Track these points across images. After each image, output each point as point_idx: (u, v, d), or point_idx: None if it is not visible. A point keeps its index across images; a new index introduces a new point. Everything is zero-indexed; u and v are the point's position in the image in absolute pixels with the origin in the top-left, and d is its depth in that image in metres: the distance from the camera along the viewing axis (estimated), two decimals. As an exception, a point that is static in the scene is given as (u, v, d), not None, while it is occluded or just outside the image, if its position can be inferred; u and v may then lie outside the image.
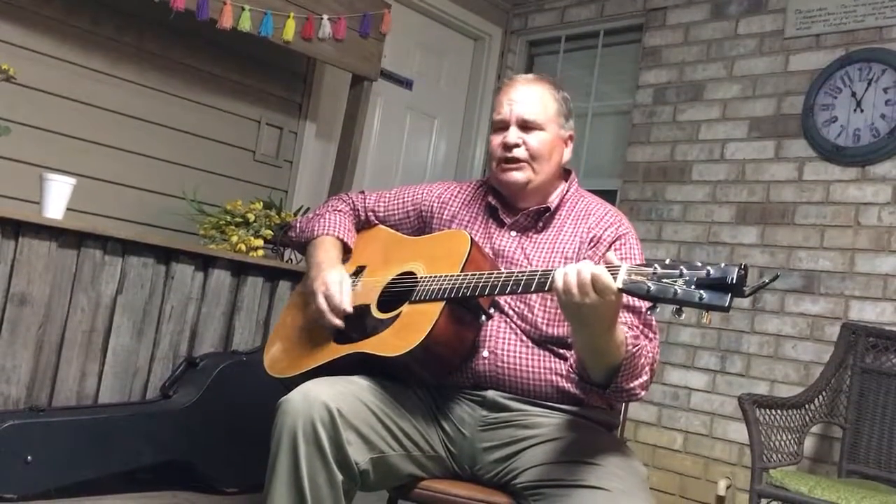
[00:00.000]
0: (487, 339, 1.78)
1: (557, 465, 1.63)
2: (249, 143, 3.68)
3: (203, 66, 3.47)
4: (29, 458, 2.41)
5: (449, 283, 1.71)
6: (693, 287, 1.31)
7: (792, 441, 2.87)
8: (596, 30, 4.41)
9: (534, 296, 1.78)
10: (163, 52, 3.35)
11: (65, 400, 2.71)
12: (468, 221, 1.96)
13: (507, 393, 1.78)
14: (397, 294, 1.83)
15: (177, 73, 3.40)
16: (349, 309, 1.83)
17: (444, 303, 1.70)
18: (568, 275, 1.45)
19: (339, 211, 2.09)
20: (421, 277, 1.80)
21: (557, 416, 1.76)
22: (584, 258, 1.81)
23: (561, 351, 1.78)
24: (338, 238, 2.01)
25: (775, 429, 2.83)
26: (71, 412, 2.58)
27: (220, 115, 3.56)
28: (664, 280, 1.34)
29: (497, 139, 1.90)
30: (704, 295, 1.30)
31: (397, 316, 1.78)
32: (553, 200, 1.91)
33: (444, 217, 2.00)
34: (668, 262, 1.37)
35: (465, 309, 1.73)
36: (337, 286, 1.85)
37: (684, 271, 1.33)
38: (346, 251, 2.03)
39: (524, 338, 1.78)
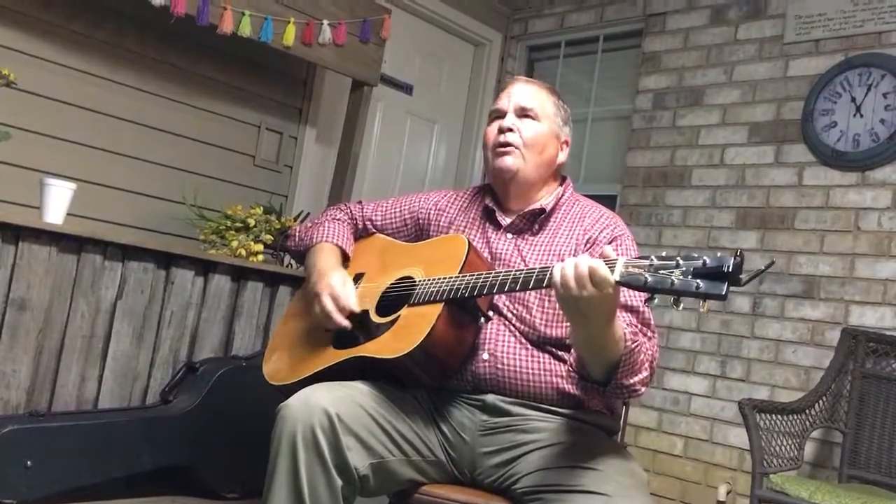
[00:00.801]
0: (487, 341, 1.78)
1: (557, 470, 1.63)
2: (249, 148, 3.68)
3: (203, 72, 3.48)
4: (29, 463, 2.41)
5: (447, 285, 1.72)
6: (690, 277, 1.32)
7: (792, 446, 2.87)
8: (595, 35, 4.41)
9: (532, 297, 1.79)
10: (163, 57, 3.35)
11: (64, 405, 2.71)
12: (465, 227, 1.97)
13: (508, 395, 1.78)
14: (396, 298, 1.83)
15: (177, 78, 3.40)
16: (355, 308, 1.84)
17: (442, 304, 1.70)
18: (565, 269, 1.46)
19: (337, 220, 2.10)
20: (419, 281, 1.80)
21: (558, 420, 1.76)
22: None
23: (560, 353, 1.78)
24: (336, 245, 2.03)
25: (776, 434, 2.83)
26: (71, 417, 2.58)
27: (221, 120, 3.56)
28: (661, 271, 1.35)
29: (493, 127, 1.93)
30: (701, 284, 1.31)
31: (396, 319, 1.78)
32: (548, 202, 1.92)
33: (442, 224, 2.01)
34: (664, 254, 1.38)
35: (464, 310, 1.74)
36: (341, 286, 1.86)
37: (681, 262, 1.34)
38: (345, 259, 2.04)
39: (523, 340, 1.78)
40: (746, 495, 3.03)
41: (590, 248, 1.84)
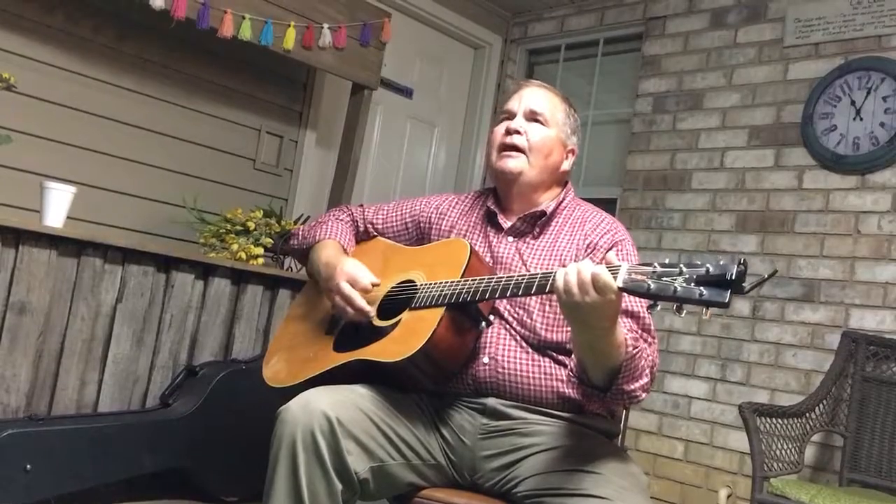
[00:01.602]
0: (488, 345, 1.78)
1: (558, 474, 1.63)
2: (250, 152, 3.68)
3: (204, 75, 3.48)
4: (28, 466, 2.41)
5: (449, 289, 1.72)
6: (693, 284, 1.32)
7: (793, 450, 2.86)
8: (596, 38, 4.42)
9: (533, 302, 1.79)
10: (163, 61, 3.36)
11: (64, 408, 2.70)
12: (466, 231, 1.97)
13: (508, 400, 1.77)
14: (397, 302, 1.83)
15: (177, 81, 3.41)
16: (376, 281, 1.85)
17: (444, 308, 1.70)
18: (568, 274, 1.46)
19: (340, 220, 2.11)
20: (420, 285, 1.80)
21: (558, 424, 1.76)
22: None
23: (560, 357, 1.78)
24: (339, 243, 2.02)
25: (776, 437, 2.82)
26: (70, 421, 2.58)
27: (221, 124, 3.56)
28: (664, 278, 1.35)
29: (500, 127, 1.93)
30: (704, 292, 1.31)
31: (397, 323, 1.78)
32: (549, 206, 1.92)
33: (443, 227, 2.01)
34: (667, 261, 1.38)
35: (465, 315, 1.73)
36: (357, 269, 1.86)
37: (684, 269, 1.34)
38: None
39: (524, 344, 1.78)
40: (747, 499, 3.03)
41: (590, 253, 1.84)
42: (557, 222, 1.92)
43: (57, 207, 2.69)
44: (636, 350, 1.60)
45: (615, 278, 1.42)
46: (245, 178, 3.66)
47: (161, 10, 2.87)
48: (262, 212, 3.29)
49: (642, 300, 1.73)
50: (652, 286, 1.36)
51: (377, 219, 2.11)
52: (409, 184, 4.38)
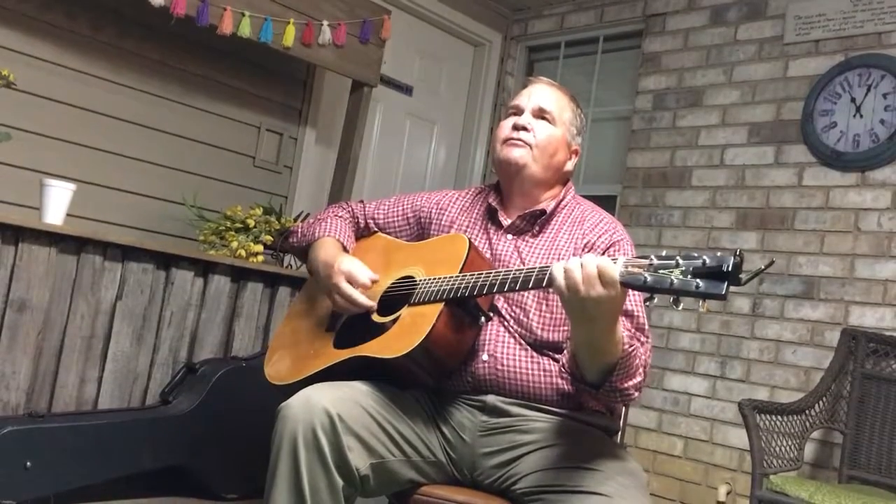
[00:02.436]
0: (486, 342, 1.78)
1: (557, 471, 1.63)
2: (249, 149, 3.68)
3: (203, 72, 3.48)
4: (28, 464, 2.41)
5: (447, 285, 1.72)
6: (689, 276, 1.31)
7: (792, 447, 2.87)
8: (595, 36, 4.42)
9: (530, 301, 1.79)
10: (163, 57, 3.35)
11: (64, 406, 2.70)
12: (466, 226, 1.97)
13: (508, 397, 1.78)
14: (397, 298, 1.83)
15: (177, 78, 3.40)
16: (375, 277, 1.86)
17: (442, 304, 1.70)
18: (571, 270, 1.44)
19: (340, 217, 2.11)
20: (420, 280, 1.80)
21: (557, 421, 1.76)
22: None
23: (557, 356, 1.78)
24: (338, 241, 2.02)
25: (775, 434, 2.83)
26: (70, 418, 2.58)
27: (220, 121, 3.56)
28: (661, 271, 1.34)
29: (507, 122, 1.93)
30: (701, 284, 1.30)
31: (397, 319, 1.78)
32: (549, 204, 1.92)
33: (443, 223, 2.01)
34: (664, 253, 1.37)
35: (464, 310, 1.73)
36: (355, 267, 1.86)
37: (680, 262, 1.33)
38: None
39: (521, 342, 1.79)
40: (746, 496, 3.03)
41: (588, 252, 1.83)
42: (557, 221, 1.92)
43: (56, 205, 2.69)
44: (632, 348, 1.60)
45: None
46: (245, 176, 3.66)
47: (160, 8, 2.87)
48: (261, 209, 3.29)
49: (638, 299, 1.73)
50: (648, 279, 1.35)
51: (378, 214, 2.11)
52: (409, 181, 4.38)
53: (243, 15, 3.08)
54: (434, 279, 1.76)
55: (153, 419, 2.72)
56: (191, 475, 2.79)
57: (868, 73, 3.33)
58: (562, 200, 1.94)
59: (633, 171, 4.03)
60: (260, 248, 3.14)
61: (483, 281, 1.67)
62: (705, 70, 3.86)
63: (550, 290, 1.59)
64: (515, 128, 1.90)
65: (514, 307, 1.80)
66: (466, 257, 1.77)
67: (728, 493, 3.42)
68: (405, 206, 2.09)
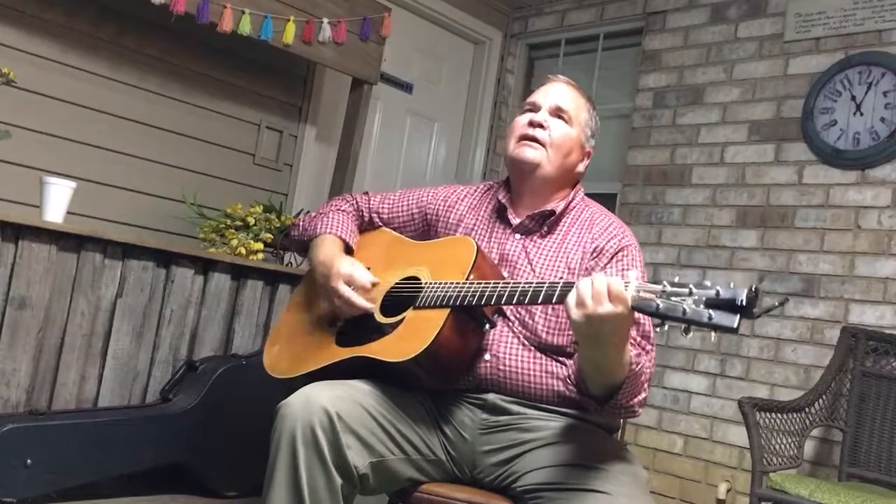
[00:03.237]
0: (490, 342, 1.78)
1: (558, 469, 1.63)
2: (249, 147, 3.68)
3: (203, 70, 3.48)
4: (28, 461, 2.41)
5: (454, 291, 1.70)
6: (702, 306, 1.29)
7: (792, 444, 2.87)
8: (596, 33, 4.41)
9: None
10: (163, 55, 3.35)
11: (64, 403, 2.71)
12: (474, 225, 1.95)
13: (509, 396, 1.77)
14: (401, 298, 1.82)
15: (177, 76, 3.40)
16: (375, 280, 1.85)
17: (448, 310, 1.68)
18: (581, 287, 1.43)
19: (343, 211, 2.08)
20: (425, 283, 1.79)
21: (558, 419, 1.76)
22: (587, 268, 1.81)
23: (561, 359, 1.77)
24: (340, 237, 2.00)
25: (775, 432, 2.83)
26: (71, 416, 2.58)
27: (221, 119, 3.56)
28: (673, 298, 1.32)
29: (523, 118, 1.91)
30: (713, 315, 1.28)
31: (401, 321, 1.77)
32: (559, 205, 1.90)
33: (450, 220, 1.99)
34: (676, 279, 1.35)
35: (470, 317, 1.72)
36: (353, 270, 1.85)
37: (693, 290, 1.31)
38: (348, 252, 2.02)
39: (525, 343, 1.78)
40: (746, 494, 3.03)
41: (596, 257, 1.83)
42: (566, 222, 1.90)
43: (57, 202, 2.68)
44: (639, 367, 1.60)
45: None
46: (245, 174, 3.66)
47: (161, 5, 2.87)
48: (261, 207, 3.29)
49: None
50: (661, 305, 1.33)
51: (383, 208, 2.09)
52: (409, 179, 4.38)
53: (243, 12, 3.08)
54: (440, 283, 1.75)
55: (153, 417, 2.72)
56: (190, 472, 2.80)
57: (868, 70, 3.33)
58: (571, 201, 1.93)
59: (633, 168, 4.03)
60: (260, 245, 3.14)
61: (490, 291, 1.65)
62: (706, 68, 3.86)
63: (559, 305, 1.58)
64: (531, 124, 1.88)
65: (519, 309, 1.79)
66: (473, 263, 1.76)
67: (728, 491, 3.42)
68: (411, 202, 2.07)
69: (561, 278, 1.82)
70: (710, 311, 1.28)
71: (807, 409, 2.95)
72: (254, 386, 2.82)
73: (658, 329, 1.39)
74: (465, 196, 2.03)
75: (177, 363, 2.97)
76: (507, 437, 1.75)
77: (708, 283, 1.32)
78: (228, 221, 3.19)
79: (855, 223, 3.30)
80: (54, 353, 2.69)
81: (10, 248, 2.55)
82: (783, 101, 3.57)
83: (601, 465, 1.60)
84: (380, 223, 2.09)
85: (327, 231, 2.00)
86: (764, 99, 3.64)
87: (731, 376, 3.53)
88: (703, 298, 1.30)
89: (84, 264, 2.73)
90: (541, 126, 1.87)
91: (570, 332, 1.74)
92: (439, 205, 2.03)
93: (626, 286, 1.39)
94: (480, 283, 1.68)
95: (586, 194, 2.02)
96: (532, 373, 1.76)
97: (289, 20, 3.22)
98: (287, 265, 3.33)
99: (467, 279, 1.72)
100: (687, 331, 1.33)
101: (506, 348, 1.77)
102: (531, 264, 1.84)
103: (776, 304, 1.37)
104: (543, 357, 1.77)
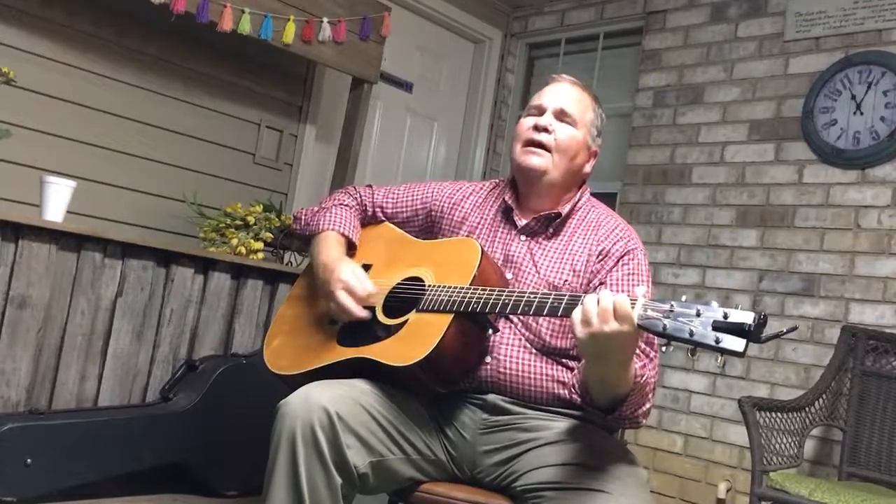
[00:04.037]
0: (492, 344, 1.77)
1: (558, 468, 1.63)
2: (249, 146, 3.68)
3: (203, 69, 3.48)
4: (28, 460, 2.41)
5: (458, 296, 1.69)
6: (709, 329, 1.29)
7: (792, 444, 2.87)
8: (596, 33, 4.41)
9: None
10: (163, 55, 3.35)
11: (64, 403, 2.70)
12: (479, 224, 1.94)
13: (509, 397, 1.77)
14: (404, 299, 1.81)
15: (177, 76, 3.40)
16: (373, 290, 1.82)
17: (451, 315, 1.67)
18: (587, 304, 1.42)
19: (345, 205, 2.07)
20: (429, 286, 1.78)
21: (558, 419, 1.76)
22: (592, 270, 1.81)
23: (563, 361, 1.77)
24: (342, 234, 1.99)
25: (775, 432, 2.83)
26: (71, 415, 2.58)
27: (220, 118, 3.56)
28: (680, 319, 1.32)
29: (528, 121, 1.89)
30: (721, 339, 1.28)
31: (404, 323, 1.75)
32: (565, 208, 1.90)
33: (455, 218, 1.98)
34: (684, 299, 1.35)
35: (474, 322, 1.71)
36: (353, 278, 1.82)
37: (701, 311, 1.31)
38: (351, 248, 2.01)
39: (528, 345, 1.77)
40: (746, 493, 3.03)
41: (602, 259, 1.82)
42: (571, 224, 1.89)
43: (57, 202, 2.68)
44: (643, 379, 1.60)
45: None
46: (245, 173, 3.66)
47: (161, 5, 2.87)
48: (261, 206, 3.28)
49: None
50: (668, 326, 1.33)
51: (387, 203, 2.07)
52: (409, 178, 4.37)
53: (243, 12, 3.08)
54: (444, 287, 1.73)
55: (153, 416, 2.72)
56: (191, 472, 2.80)
57: (868, 70, 3.33)
58: (577, 202, 1.92)
59: (633, 168, 4.03)
60: (260, 245, 3.14)
61: (495, 299, 1.64)
62: (706, 67, 3.86)
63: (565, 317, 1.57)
64: (536, 128, 1.86)
65: None
66: (478, 267, 1.74)
67: (728, 491, 3.42)
68: (415, 198, 2.05)
69: (566, 281, 1.81)
70: (718, 334, 1.28)
71: (807, 409, 2.95)
72: (254, 385, 2.82)
73: (664, 350, 1.38)
74: (471, 193, 2.02)
75: (177, 362, 2.97)
76: (507, 437, 1.75)
77: (715, 304, 1.31)
78: (228, 221, 3.18)
79: (855, 222, 3.30)
80: (54, 353, 2.69)
81: (10, 247, 2.55)
82: (783, 101, 3.57)
83: (601, 464, 1.60)
84: (383, 217, 2.08)
85: (329, 228, 1.99)
86: (764, 98, 3.64)
87: (731, 375, 3.53)
88: (711, 321, 1.30)
89: (84, 264, 2.72)
90: (546, 130, 1.86)
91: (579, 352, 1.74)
92: (444, 201, 2.01)
93: (632, 305, 1.38)
94: (485, 290, 1.67)
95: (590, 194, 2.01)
96: (533, 376, 1.76)
97: (289, 19, 3.22)
98: (287, 264, 3.33)
99: (471, 284, 1.71)
100: (693, 352, 1.33)
101: (507, 351, 1.77)
102: (536, 266, 1.84)
103: (784, 330, 1.36)
104: (545, 361, 1.77)
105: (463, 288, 1.70)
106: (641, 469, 1.69)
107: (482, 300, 1.65)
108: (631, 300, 1.40)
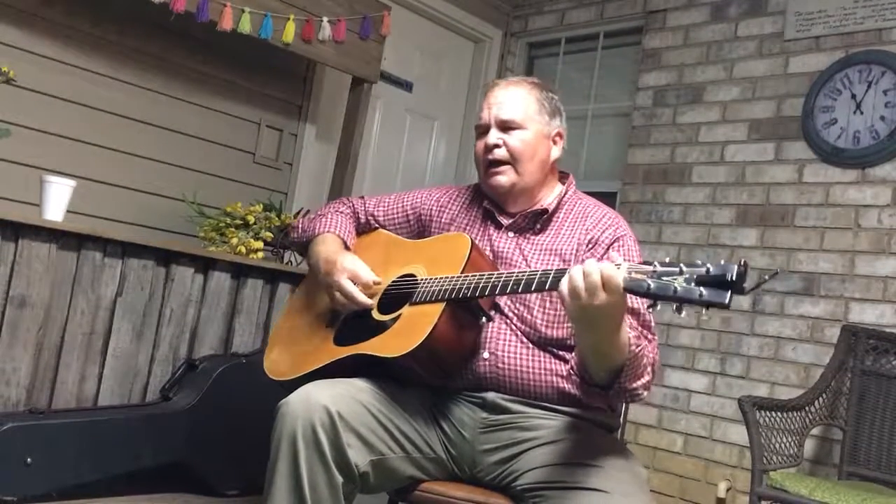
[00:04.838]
0: (488, 340, 1.78)
1: (558, 468, 1.63)
2: (249, 146, 3.68)
3: (203, 68, 3.47)
4: (29, 460, 2.41)
5: (449, 284, 1.72)
6: (693, 284, 1.31)
7: (792, 443, 2.87)
8: (596, 32, 4.41)
9: (533, 298, 1.78)
10: (163, 54, 3.35)
11: (64, 402, 2.71)
12: (466, 224, 1.97)
13: (508, 394, 1.78)
14: (398, 296, 1.83)
15: (177, 75, 3.40)
16: (376, 278, 1.86)
17: (444, 303, 1.70)
18: (574, 277, 1.44)
19: (340, 213, 2.11)
20: (422, 279, 1.80)
21: (558, 418, 1.76)
22: (582, 260, 1.81)
23: (561, 353, 1.78)
24: (339, 237, 2.02)
25: (775, 431, 2.83)
26: (71, 414, 2.58)
27: (220, 118, 3.56)
28: (664, 278, 1.34)
29: (480, 144, 1.91)
30: (704, 292, 1.30)
31: (398, 317, 1.78)
32: (551, 202, 1.91)
33: (443, 220, 2.01)
34: (667, 260, 1.37)
35: (466, 310, 1.73)
36: (355, 266, 1.87)
37: (684, 269, 1.33)
38: (347, 251, 2.03)
39: (524, 339, 1.78)
40: (746, 492, 3.04)
41: (592, 248, 1.83)
42: (559, 217, 1.91)
43: (57, 201, 2.68)
44: (639, 349, 1.60)
45: None
46: (245, 172, 3.65)
47: (161, 4, 2.87)
48: (261, 206, 3.28)
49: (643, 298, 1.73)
50: (652, 285, 1.35)
51: (378, 211, 2.11)
52: (409, 178, 4.38)
53: (243, 11, 3.08)
54: (436, 278, 1.76)
55: (153, 416, 2.72)
56: (191, 471, 2.80)
57: (868, 69, 3.33)
58: (563, 196, 1.93)
59: (633, 167, 4.03)
60: (260, 244, 3.14)
61: (485, 282, 1.66)
62: (705, 66, 3.85)
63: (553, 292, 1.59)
64: (488, 149, 1.88)
65: (517, 304, 1.80)
66: (468, 256, 1.77)
67: (728, 490, 3.42)
68: (405, 204, 2.09)
69: None
70: (701, 288, 1.31)
71: (807, 408, 2.95)
72: (254, 384, 2.80)
73: (651, 310, 1.40)
74: (457, 196, 2.05)
75: (177, 362, 2.97)
76: (506, 436, 1.75)
77: (699, 261, 1.34)
78: (228, 220, 3.18)
79: (855, 222, 3.30)
80: (54, 352, 2.69)
81: (10, 246, 2.55)
82: (783, 100, 3.57)
83: (601, 463, 1.61)
84: (376, 225, 2.12)
85: (326, 230, 2.03)
86: (764, 98, 3.64)
87: (731, 375, 3.53)
88: (694, 276, 1.32)
89: (84, 263, 2.73)
90: (496, 146, 1.87)
91: (570, 325, 1.75)
92: (432, 205, 2.05)
93: (617, 268, 1.40)
94: (475, 275, 1.69)
95: (587, 192, 2.01)
96: (531, 370, 1.76)
97: (289, 19, 3.21)
98: (287, 264, 3.33)
99: (462, 273, 1.73)
100: (679, 309, 1.35)
101: (504, 346, 1.77)
102: (526, 260, 1.85)
103: (766, 277, 1.40)
104: (542, 354, 1.77)
105: (453, 277, 1.72)
106: (641, 468, 1.70)
107: (472, 284, 1.68)
108: (615, 265, 1.42)
